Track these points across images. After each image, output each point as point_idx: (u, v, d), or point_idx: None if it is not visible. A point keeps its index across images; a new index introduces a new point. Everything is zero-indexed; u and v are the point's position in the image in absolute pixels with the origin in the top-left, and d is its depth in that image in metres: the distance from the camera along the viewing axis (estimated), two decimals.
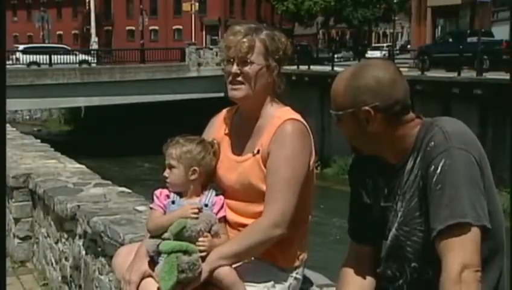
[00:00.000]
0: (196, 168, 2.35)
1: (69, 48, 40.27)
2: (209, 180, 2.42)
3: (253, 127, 2.41)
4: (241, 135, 2.44)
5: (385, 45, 49.10)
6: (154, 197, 2.39)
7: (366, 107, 1.87)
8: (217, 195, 2.38)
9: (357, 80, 1.89)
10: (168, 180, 2.37)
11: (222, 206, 2.36)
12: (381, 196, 2.00)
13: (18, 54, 34.54)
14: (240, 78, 2.33)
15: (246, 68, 2.32)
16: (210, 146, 2.41)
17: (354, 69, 1.95)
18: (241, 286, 2.24)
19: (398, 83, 1.90)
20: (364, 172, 2.06)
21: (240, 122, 2.48)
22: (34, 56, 33.22)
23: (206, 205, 2.34)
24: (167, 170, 2.37)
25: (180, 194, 2.37)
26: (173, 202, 2.35)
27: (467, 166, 1.77)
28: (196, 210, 2.29)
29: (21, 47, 37.71)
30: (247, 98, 2.36)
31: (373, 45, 48.25)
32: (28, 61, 33.39)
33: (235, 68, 2.33)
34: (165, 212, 2.34)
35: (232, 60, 2.33)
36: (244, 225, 2.33)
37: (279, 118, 2.35)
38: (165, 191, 2.38)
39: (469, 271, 1.69)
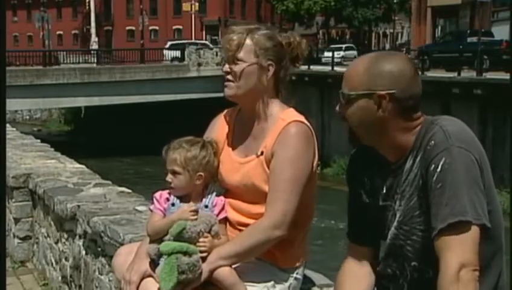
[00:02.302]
0: (202, 173, 2.33)
1: (210, 44, 40.77)
2: (211, 180, 2.41)
3: (257, 128, 2.41)
4: (244, 136, 2.44)
5: (344, 46, 45.63)
6: (154, 200, 2.37)
7: (383, 92, 1.86)
8: (217, 196, 2.38)
9: (381, 64, 1.89)
10: (172, 185, 2.34)
11: (223, 208, 2.36)
12: (379, 195, 2.00)
13: (164, 51, 35.99)
14: (229, 77, 2.35)
15: (235, 66, 2.33)
16: (211, 147, 2.40)
17: (378, 54, 1.96)
18: (241, 286, 2.24)
19: (416, 79, 1.92)
20: (363, 172, 2.06)
21: (242, 123, 2.47)
22: (177, 52, 34.38)
23: (207, 206, 2.34)
24: (170, 176, 2.33)
25: (182, 198, 2.35)
26: (173, 205, 2.34)
27: (466, 165, 1.77)
28: (194, 212, 2.28)
29: (168, 44, 38.81)
30: (236, 96, 2.36)
31: (331, 46, 45.04)
32: (171, 57, 34.50)
33: (226, 67, 2.35)
34: (164, 216, 2.32)
35: (226, 59, 2.36)
36: (246, 225, 2.33)
37: (283, 119, 2.35)
38: (165, 194, 2.36)
39: (467, 270, 1.69)
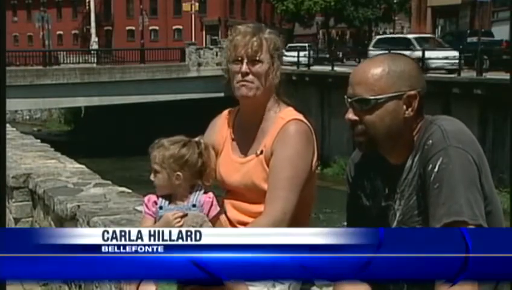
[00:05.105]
0: (179, 173, 2.30)
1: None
2: (195, 181, 2.36)
3: (256, 128, 2.41)
4: (244, 136, 2.44)
5: (307, 44, 40.29)
6: (143, 205, 2.36)
7: (413, 92, 1.87)
8: (205, 193, 2.33)
9: (399, 65, 1.90)
10: (154, 184, 2.33)
11: (212, 205, 2.32)
12: (381, 196, 2.00)
13: None
14: (249, 77, 2.33)
15: (256, 67, 2.33)
16: (196, 147, 2.36)
17: (390, 56, 1.96)
18: (241, 286, 2.24)
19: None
20: (363, 174, 2.05)
21: (242, 123, 2.47)
22: None
23: (194, 205, 2.31)
24: (152, 174, 2.33)
25: (169, 198, 2.33)
26: (161, 208, 2.31)
27: (464, 165, 1.77)
28: (179, 218, 2.25)
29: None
30: (256, 96, 2.35)
31: (289, 45, 38.28)
32: None
33: (244, 67, 2.33)
34: (155, 220, 2.30)
35: (240, 59, 2.34)
36: (247, 224, 2.34)
37: (282, 118, 2.35)
38: (153, 197, 2.34)
39: None
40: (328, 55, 34.87)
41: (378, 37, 30.99)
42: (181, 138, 2.39)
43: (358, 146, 1.97)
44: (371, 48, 27.49)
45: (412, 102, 1.88)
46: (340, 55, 35.99)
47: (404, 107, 1.88)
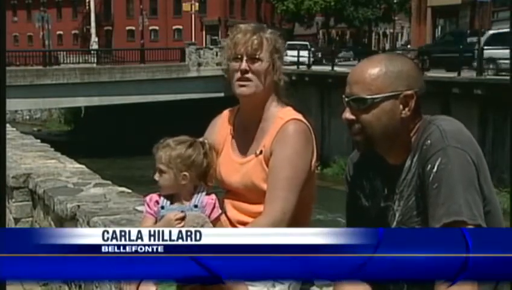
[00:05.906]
0: (186, 173, 2.30)
1: None
2: (199, 181, 2.37)
3: (256, 128, 2.41)
4: (244, 136, 2.44)
5: (308, 43, 38.20)
6: (145, 204, 2.36)
7: (410, 91, 1.88)
8: (208, 194, 2.34)
9: (397, 65, 1.90)
10: (158, 184, 2.33)
11: (214, 206, 2.32)
12: (380, 197, 2.00)
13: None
14: (248, 75, 2.34)
15: (256, 65, 2.33)
16: (201, 147, 2.36)
17: (387, 56, 1.98)
18: (241, 286, 2.24)
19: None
20: (362, 175, 2.06)
21: (242, 123, 2.47)
22: None
23: (196, 206, 2.31)
24: (157, 174, 2.33)
25: (171, 198, 2.33)
26: (162, 207, 2.31)
27: (462, 165, 1.78)
28: (180, 218, 2.25)
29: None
30: (255, 95, 2.36)
31: (288, 42, 37.18)
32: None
33: (244, 65, 2.33)
34: (156, 220, 2.31)
35: (240, 56, 2.34)
36: (247, 224, 2.33)
37: (281, 118, 2.35)
38: (155, 197, 2.34)
39: None
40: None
41: (491, 32, 22.85)
42: (186, 138, 2.39)
43: (356, 145, 1.98)
44: (483, 46, 21.72)
45: (409, 102, 1.88)
46: (320, 56, 36.18)
47: (401, 106, 1.89)
